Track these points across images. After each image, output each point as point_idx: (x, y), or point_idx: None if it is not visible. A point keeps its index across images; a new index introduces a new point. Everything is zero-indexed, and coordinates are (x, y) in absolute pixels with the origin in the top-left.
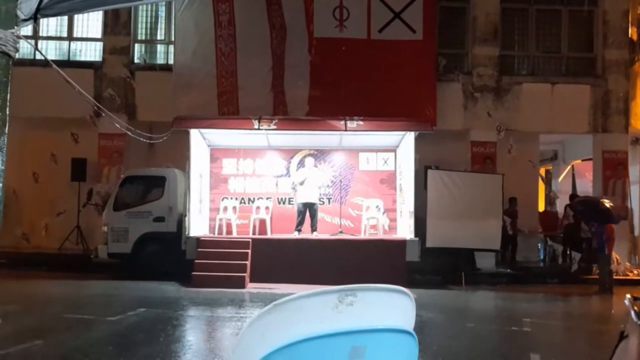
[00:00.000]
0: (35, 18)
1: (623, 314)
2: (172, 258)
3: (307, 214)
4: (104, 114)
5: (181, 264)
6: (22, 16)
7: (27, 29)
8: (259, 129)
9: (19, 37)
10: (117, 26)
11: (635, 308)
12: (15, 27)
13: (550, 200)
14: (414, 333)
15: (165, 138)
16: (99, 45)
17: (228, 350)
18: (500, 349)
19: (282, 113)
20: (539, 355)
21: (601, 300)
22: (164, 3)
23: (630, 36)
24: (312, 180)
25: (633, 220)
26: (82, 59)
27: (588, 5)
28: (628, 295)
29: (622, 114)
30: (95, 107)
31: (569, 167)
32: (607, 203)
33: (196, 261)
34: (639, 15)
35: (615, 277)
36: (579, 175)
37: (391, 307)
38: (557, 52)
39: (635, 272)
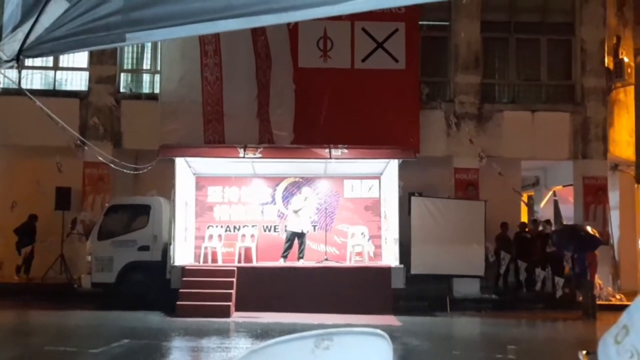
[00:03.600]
0: (18, 59)
1: None
2: (157, 287)
3: (296, 241)
4: (87, 145)
5: (166, 293)
6: (4, 57)
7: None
8: (244, 157)
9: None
10: (104, 56)
11: None
12: None
13: (537, 224)
14: None
15: (149, 168)
16: (85, 75)
17: None
18: None
19: (267, 141)
20: None
21: (585, 325)
22: None
23: (607, 65)
24: (308, 209)
25: (614, 245)
26: (68, 88)
27: (566, 34)
28: (581, 352)
29: (601, 141)
30: (79, 139)
31: (550, 192)
32: (588, 228)
33: (181, 290)
34: (614, 45)
35: (598, 302)
36: (562, 201)
37: (368, 351)
38: (537, 80)
39: (618, 297)
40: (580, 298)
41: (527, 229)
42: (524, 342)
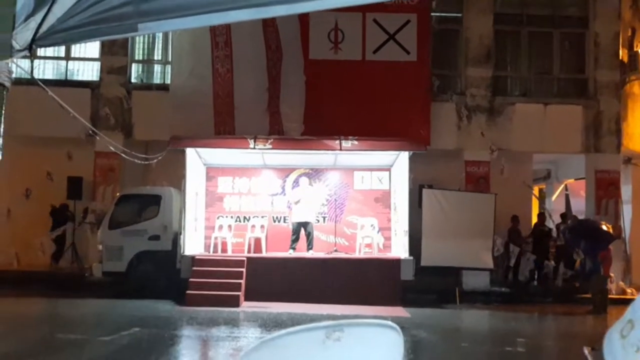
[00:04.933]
0: (30, 48)
1: None
2: (167, 276)
3: (303, 232)
4: (98, 135)
5: (176, 283)
6: (17, 47)
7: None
8: (254, 148)
9: (10, 69)
10: (115, 46)
11: (592, 358)
12: (11, 57)
13: (543, 218)
14: None
15: (160, 158)
16: (97, 65)
17: None
18: None
19: (277, 133)
20: None
21: (594, 320)
22: None
23: (621, 58)
24: (307, 199)
25: (626, 239)
26: (80, 78)
27: (579, 27)
28: (586, 348)
29: (614, 135)
30: (91, 129)
31: (562, 186)
32: (603, 225)
33: (191, 280)
34: (629, 37)
35: (609, 296)
36: (573, 195)
37: (378, 342)
38: (549, 73)
39: (630, 291)
40: (591, 292)
41: (544, 222)
42: (533, 336)
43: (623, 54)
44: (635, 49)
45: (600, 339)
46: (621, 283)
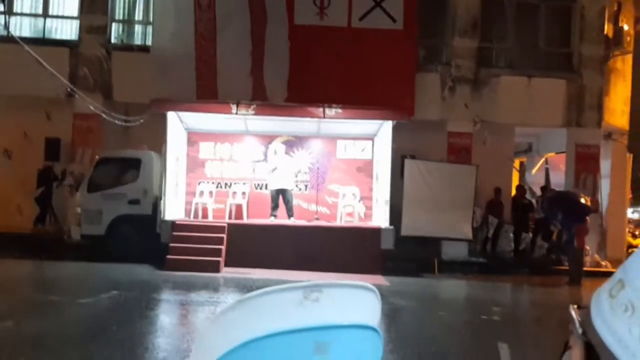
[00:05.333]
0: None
1: (568, 324)
2: (147, 241)
3: (281, 200)
4: (77, 95)
5: (156, 247)
6: None
7: None
8: (237, 113)
9: None
10: (94, 4)
11: (579, 318)
12: None
13: (522, 191)
14: (378, 329)
15: (141, 121)
16: (75, 24)
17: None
18: (470, 338)
19: (260, 98)
20: (507, 344)
21: (570, 290)
22: None
23: (605, 32)
24: (284, 166)
25: (603, 213)
26: (58, 37)
27: (566, 0)
28: (572, 306)
29: (596, 110)
30: (70, 88)
31: (542, 159)
32: (581, 197)
33: (171, 244)
34: (614, 12)
35: (585, 268)
36: (553, 168)
37: (356, 304)
38: (535, 45)
39: (604, 264)
40: (567, 264)
41: (524, 194)
42: (509, 305)
43: (608, 29)
44: (620, 24)
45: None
46: (596, 256)
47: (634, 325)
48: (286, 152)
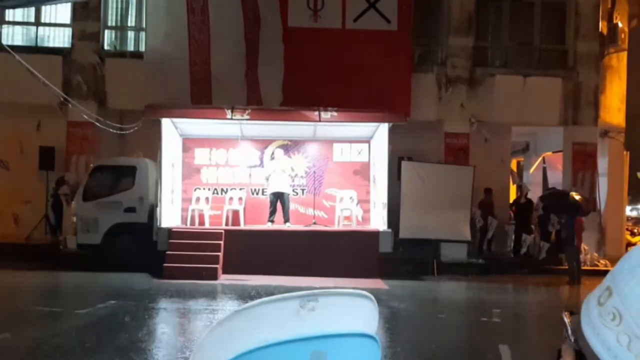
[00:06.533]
0: None
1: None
2: (143, 249)
3: (279, 204)
4: (70, 103)
5: (152, 255)
6: None
7: None
8: (232, 118)
9: None
10: (86, 11)
11: (571, 325)
12: None
13: (521, 191)
14: (376, 337)
15: (135, 128)
16: (68, 31)
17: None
18: (470, 340)
19: (256, 103)
20: (508, 346)
21: (570, 290)
22: None
23: (600, 30)
24: (282, 170)
25: (601, 212)
26: (51, 44)
27: None
28: (565, 312)
29: (592, 107)
30: (62, 97)
31: (540, 158)
32: (576, 195)
33: (168, 252)
34: (609, 9)
35: (583, 267)
36: (550, 167)
37: (353, 312)
38: (530, 44)
39: (603, 262)
40: (566, 264)
41: (525, 195)
42: (509, 306)
43: (603, 26)
44: (614, 21)
45: (575, 309)
46: (595, 254)
47: (621, 333)
48: (284, 155)
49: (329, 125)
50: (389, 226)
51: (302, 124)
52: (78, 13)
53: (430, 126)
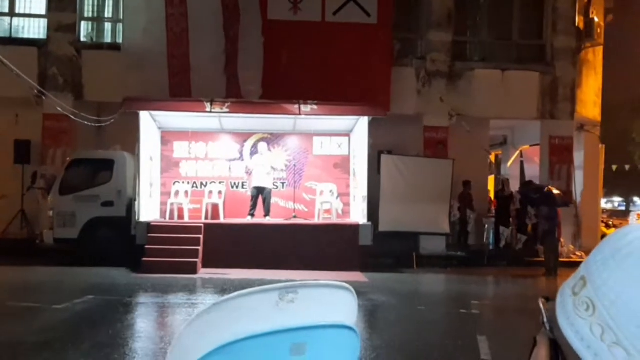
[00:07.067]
0: None
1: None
2: (122, 243)
3: (260, 198)
4: (46, 96)
5: (131, 250)
6: None
7: None
8: (211, 111)
9: None
10: (63, 2)
11: (547, 313)
12: None
13: (503, 184)
14: (355, 328)
15: (112, 121)
16: (44, 22)
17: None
18: (449, 332)
19: (235, 96)
20: (486, 337)
21: (547, 282)
22: None
23: (577, 24)
24: (264, 165)
25: (577, 204)
26: (26, 36)
27: None
28: (541, 299)
29: (569, 101)
30: (37, 89)
31: (517, 152)
32: (554, 190)
33: (147, 246)
34: (585, 4)
35: (560, 259)
36: (528, 161)
37: (333, 304)
38: (509, 39)
39: (579, 254)
40: (543, 256)
41: (505, 188)
42: (488, 298)
43: (579, 21)
44: (591, 16)
45: (553, 300)
46: (571, 246)
47: (595, 324)
48: (268, 150)
49: (309, 119)
50: (369, 219)
51: (282, 117)
52: (54, 4)
53: (409, 120)
